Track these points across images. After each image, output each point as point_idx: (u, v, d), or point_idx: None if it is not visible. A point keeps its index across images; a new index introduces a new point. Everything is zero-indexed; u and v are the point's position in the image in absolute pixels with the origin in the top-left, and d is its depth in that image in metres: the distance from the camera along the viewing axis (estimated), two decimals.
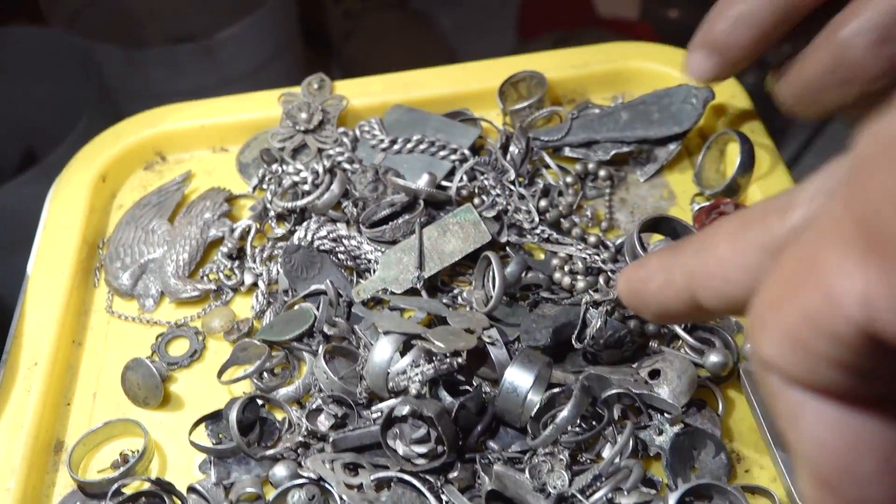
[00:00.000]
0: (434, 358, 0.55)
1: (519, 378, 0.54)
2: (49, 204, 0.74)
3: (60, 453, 0.60)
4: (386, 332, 0.57)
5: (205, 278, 0.68)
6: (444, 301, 0.63)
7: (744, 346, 0.58)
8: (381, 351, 0.56)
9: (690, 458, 0.53)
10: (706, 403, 0.56)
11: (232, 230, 0.69)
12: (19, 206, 1.09)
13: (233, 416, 0.56)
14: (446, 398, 0.54)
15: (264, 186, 0.72)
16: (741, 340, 0.59)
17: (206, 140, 0.79)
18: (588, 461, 0.53)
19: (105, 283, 0.69)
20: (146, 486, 0.55)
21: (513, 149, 0.69)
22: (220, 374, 0.61)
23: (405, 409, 0.54)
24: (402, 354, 0.57)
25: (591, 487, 0.51)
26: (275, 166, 0.73)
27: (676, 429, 0.54)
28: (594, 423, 0.54)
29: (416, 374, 0.54)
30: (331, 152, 0.73)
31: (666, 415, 0.54)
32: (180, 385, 0.63)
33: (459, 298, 0.63)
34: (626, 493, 0.51)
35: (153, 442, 0.59)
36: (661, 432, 0.54)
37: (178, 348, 0.65)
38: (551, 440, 0.53)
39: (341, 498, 0.52)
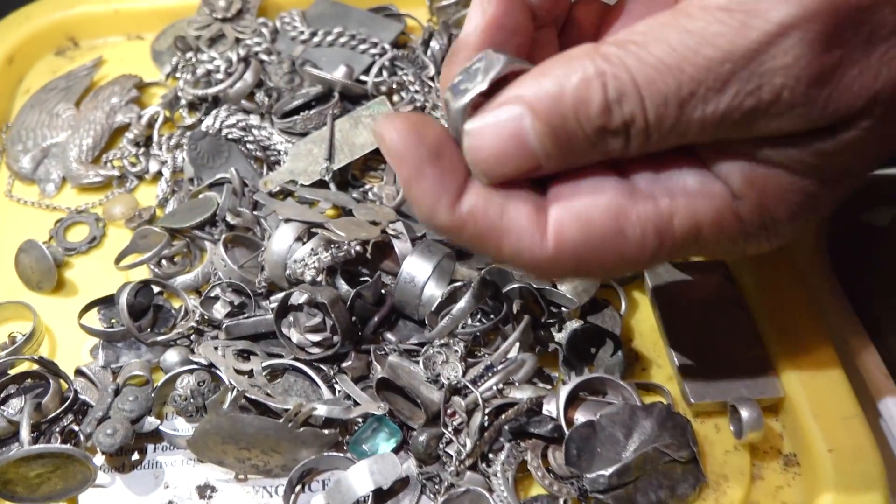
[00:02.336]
0: (332, 245, 0.53)
1: (417, 268, 0.53)
2: None
3: None
4: (287, 220, 0.56)
5: (108, 164, 0.65)
6: (355, 196, 0.61)
7: None
8: (281, 238, 0.55)
9: (588, 355, 0.53)
10: (609, 303, 0.55)
11: (139, 116, 0.66)
12: None
13: (123, 298, 0.54)
14: (343, 287, 0.53)
15: (178, 75, 0.70)
16: None
17: (121, 26, 0.75)
18: (485, 355, 0.53)
19: (6, 166, 0.66)
20: (35, 367, 0.53)
21: (434, 44, 0.67)
22: (118, 260, 0.59)
23: (301, 297, 0.52)
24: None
25: (482, 378, 0.50)
26: (189, 54, 0.70)
27: (575, 325, 0.53)
28: (493, 317, 0.53)
29: (314, 262, 0.53)
30: (248, 42, 0.70)
31: (564, 309, 0.53)
32: (77, 271, 0.60)
33: (370, 194, 0.61)
34: (517, 385, 0.50)
35: (44, 325, 0.57)
36: (560, 329, 0.53)
37: (78, 234, 0.62)
38: (447, 331, 0.52)
39: (231, 383, 0.51)
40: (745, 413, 0.49)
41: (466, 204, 0.37)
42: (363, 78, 0.67)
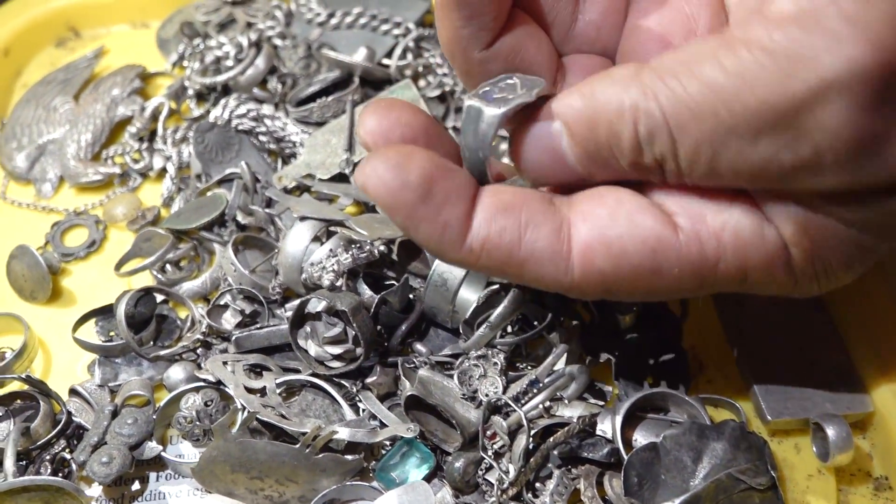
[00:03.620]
0: (353, 246, 0.47)
1: (449, 270, 0.46)
2: None
3: None
4: (302, 218, 0.50)
5: (109, 161, 0.60)
6: None
7: None
8: (296, 238, 0.49)
9: (646, 367, 0.47)
10: (667, 305, 0.49)
11: (143, 109, 0.61)
12: None
13: (121, 309, 0.48)
14: (366, 292, 0.47)
15: (185, 63, 0.64)
16: None
17: (124, 13, 0.70)
18: (529, 368, 0.46)
19: (1, 166, 0.61)
20: (26, 387, 0.48)
21: None
22: (118, 266, 0.54)
23: (319, 305, 0.46)
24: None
25: (526, 395, 0.44)
26: (197, 41, 0.64)
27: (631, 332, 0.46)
28: (537, 324, 0.47)
29: (332, 264, 0.47)
30: (260, 26, 0.64)
31: (619, 315, 0.47)
32: (74, 279, 0.55)
33: None
34: (567, 402, 0.44)
35: (37, 339, 0.51)
36: (614, 337, 0.47)
37: (76, 238, 0.57)
38: (485, 341, 0.45)
39: (241, 403, 0.45)
40: (830, 431, 0.42)
41: (478, 236, 0.34)
42: (386, 61, 0.61)
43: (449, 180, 0.34)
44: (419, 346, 0.48)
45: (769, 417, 0.44)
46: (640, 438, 0.43)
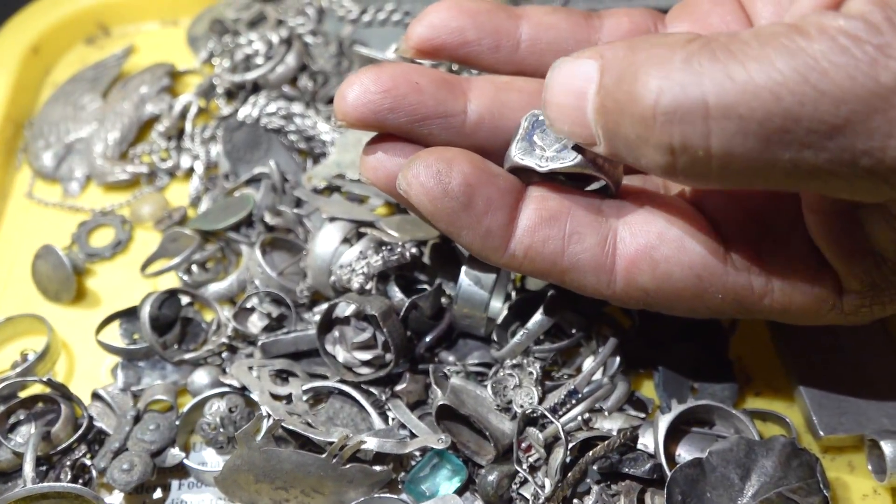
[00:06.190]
0: (384, 248, 0.46)
1: (480, 272, 0.44)
2: None
3: None
4: (332, 219, 0.48)
5: (136, 160, 0.58)
6: None
7: None
8: (325, 240, 0.47)
9: (690, 377, 0.44)
10: None
11: (171, 107, 0.60)
12: None
13: (145, 311, 0.47)
14: (396, 296, 0.45)
15: (214, 61, 0.63)
16: None
17: (155, 11, 0.69)
18: (565, 377, 0.44)
19: (27, 164, 0.60)
20: (48, 389, 0.47)
21: None
22: (144, 266, 0.52)
23: (347, 309, 0.45)
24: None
25: (564, 406, 0.42)
26: (227, 38, 0.63)
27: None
28: (575, 332, 0.45)
29: (362, 267, 0.45)
30: (291, 23, 0.63)
31: None
32: (100, 279, 0.54)
33: None
34: (607, 413, 0.42)
35: (60, 341, 0.50)
36: (656, 345, 0.45)
37: (102, 238, 0.56)
38: (520, 350, 0.43)
39: (266, 410, 0.43)
40: (887, 449, 0.40)
41: (521, 244, 0.35)
42: (420, 60, 0.59)
43: (491, 186, 0.34)
44: (448, 356, 0.46)
45: (822, 433, 0.42)
46: (684, 454, 0.41)
